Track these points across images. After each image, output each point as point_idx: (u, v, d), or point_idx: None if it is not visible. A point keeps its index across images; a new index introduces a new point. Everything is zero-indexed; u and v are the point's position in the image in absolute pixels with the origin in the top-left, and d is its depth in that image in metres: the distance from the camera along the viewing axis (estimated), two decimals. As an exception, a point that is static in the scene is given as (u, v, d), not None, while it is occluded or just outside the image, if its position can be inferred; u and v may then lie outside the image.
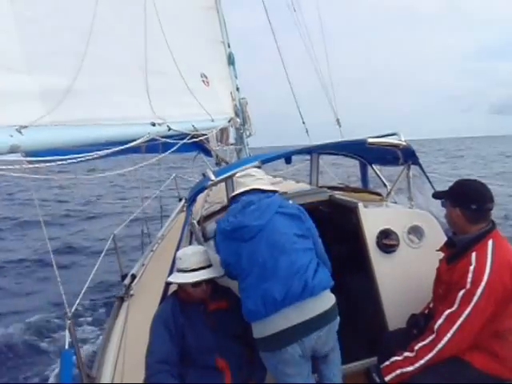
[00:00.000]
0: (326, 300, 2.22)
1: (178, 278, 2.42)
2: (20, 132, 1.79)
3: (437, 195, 2.59)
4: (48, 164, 2.01)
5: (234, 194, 2.59)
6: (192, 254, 2.45)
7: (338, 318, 2.27)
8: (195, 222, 3.09)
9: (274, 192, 2.54)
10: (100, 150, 2.43)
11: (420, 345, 2.25)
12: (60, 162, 2.03)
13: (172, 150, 3.47)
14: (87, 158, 2.32)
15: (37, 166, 2.07)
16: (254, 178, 2.54)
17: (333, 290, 2.31)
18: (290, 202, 2.53)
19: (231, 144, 6.40)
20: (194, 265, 2.40)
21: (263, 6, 6.90)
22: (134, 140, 2.79)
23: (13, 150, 1.72)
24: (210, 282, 2.44)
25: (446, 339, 2.18)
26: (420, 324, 2.50)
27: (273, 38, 6.95)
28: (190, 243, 3.08)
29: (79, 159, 2.23)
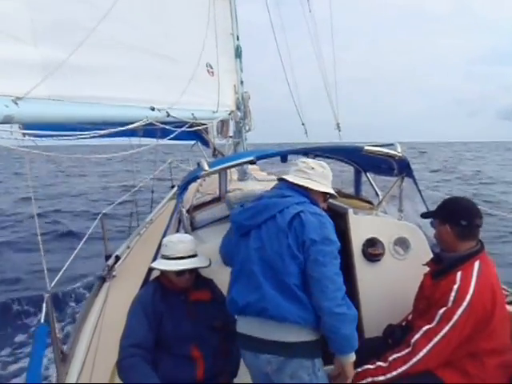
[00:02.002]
0: (289, 333, 2.02)
1: (162, 265, 2.41)
2: (16, 103, 1.76)
3: (426, 215, 2.62)
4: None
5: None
6: (178, 241, 2.44)
7: (309, 361, 2.03)
8: (184, 210, 3.09)
9: (307, 190, 2.25)
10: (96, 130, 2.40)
11: (394, 356, 2.26)
12: (54, 139, 2.00)
13: (170, 137, 3.46)
14: (84, 136, 2.25)
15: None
16: (295, 169, 2.32)
17: None
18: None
19: (230, 137, 6.39)
20: (178, 253, 2.38)
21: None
22: (132, 123, 2.77)
23: (6, 120, 1.70)
24: (193, 271, 2.43)
25: (421, 354, 2.18)
26: (396, 335, 2.51)
27: (276, 35, 6.90)
28: (178, 231, 3.08)
29: (77, 137, 2.20)
